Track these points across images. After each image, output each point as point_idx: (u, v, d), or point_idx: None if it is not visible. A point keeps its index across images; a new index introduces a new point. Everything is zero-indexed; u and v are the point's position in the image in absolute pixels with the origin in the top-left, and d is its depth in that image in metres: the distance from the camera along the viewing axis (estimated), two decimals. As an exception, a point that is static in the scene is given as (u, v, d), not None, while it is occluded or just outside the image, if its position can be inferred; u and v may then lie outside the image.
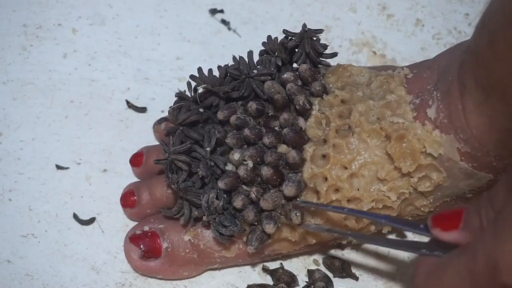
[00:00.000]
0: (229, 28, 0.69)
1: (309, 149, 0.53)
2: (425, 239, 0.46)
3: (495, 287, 0.36)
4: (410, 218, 0.54)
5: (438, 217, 0.43)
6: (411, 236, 0.59)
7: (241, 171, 0.52)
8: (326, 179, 0.52)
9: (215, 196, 0.52)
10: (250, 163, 0.52)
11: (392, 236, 0.59)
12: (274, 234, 0.53)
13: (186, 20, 0.69)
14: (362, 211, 0.52)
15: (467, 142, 0.49)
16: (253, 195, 0.52)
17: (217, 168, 0.53)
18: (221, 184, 0.52)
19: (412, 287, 0.44)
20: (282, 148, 0.53)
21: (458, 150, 0.50)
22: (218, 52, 0.68)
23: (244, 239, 0.54)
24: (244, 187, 0.53)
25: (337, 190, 0.52)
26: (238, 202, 0.52)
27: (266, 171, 0.52)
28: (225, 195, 0.53)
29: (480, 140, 0.49)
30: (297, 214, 0.52)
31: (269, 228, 0.52)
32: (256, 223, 0.53)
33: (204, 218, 0.53)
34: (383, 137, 0.52)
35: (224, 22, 0.69)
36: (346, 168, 0.52)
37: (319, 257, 0.58)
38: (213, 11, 0.70)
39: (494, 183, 0.52)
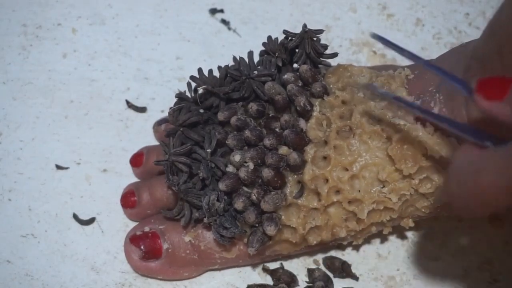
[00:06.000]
0: (229, 28, 0.69)
1: (310, 150, 0.53)
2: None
3: None
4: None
5: (484, 82, 0.39)
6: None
7: (242, 173, 0.52)
8: (327, 180, 0.52)
9: (215, 198, 0.52)
10: (251, 165, 0.52)
11: (393, 237, 0.59)
12: (275, 236, 0.53)
13: (186, 20, 0.69)
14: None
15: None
16: (254, 197, 0.52)
17: (217, 169, 0.53)
18: (221, 185, 0.52)
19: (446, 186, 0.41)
20: (283, 149, 0.53)
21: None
22: (218, 52, 0.67)
23: (245, 240, 0.54)
24: (245, 188, 0.52)
25: (338, 191, 0.52)
26: (239, 204, 0.52)
27: (267, 173, 0.51)
28: (225, 197, 0.53)
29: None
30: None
31: (270, 230, 0.52)
32: (257, 225, 0.53)
33: (205, 219, 0.53)
34: (384, 138, 0.52)
35: (224, 22, 0.69)
36: (347, 169, 0.52)
37: (319, 257, 0.58)
38: (213, 11, 0.69)
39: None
